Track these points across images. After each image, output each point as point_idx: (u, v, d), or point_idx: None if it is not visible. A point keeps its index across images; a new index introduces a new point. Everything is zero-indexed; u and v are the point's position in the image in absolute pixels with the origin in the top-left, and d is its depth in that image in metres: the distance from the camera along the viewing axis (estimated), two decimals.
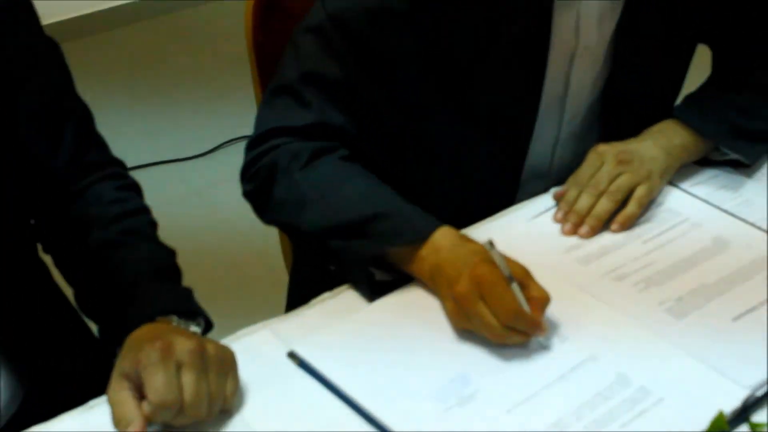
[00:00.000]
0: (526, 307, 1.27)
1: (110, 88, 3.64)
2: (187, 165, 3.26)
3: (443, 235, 1.37)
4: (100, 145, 1.47)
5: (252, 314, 1.40)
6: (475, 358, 1.28)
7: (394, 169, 1.61)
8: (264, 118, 1.56)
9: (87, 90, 1.53)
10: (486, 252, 1.31)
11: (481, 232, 1.51)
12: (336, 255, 1.42)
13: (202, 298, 1.36)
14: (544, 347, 1.29)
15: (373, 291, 1.39)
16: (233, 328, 1.35)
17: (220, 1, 4.07)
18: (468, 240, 1.37)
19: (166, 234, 1.48)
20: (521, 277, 1.30)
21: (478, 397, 1.23)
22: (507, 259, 1.30)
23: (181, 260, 1.42)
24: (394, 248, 1.39)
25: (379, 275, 1.40)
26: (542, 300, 1.29)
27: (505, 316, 1.26)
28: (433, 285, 1.37)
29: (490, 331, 1.27)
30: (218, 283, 2.36)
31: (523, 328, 1.27)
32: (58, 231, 1.43)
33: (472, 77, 1.55)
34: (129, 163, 1.53)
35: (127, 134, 3.32)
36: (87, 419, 1.22)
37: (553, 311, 1.33)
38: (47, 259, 1.48)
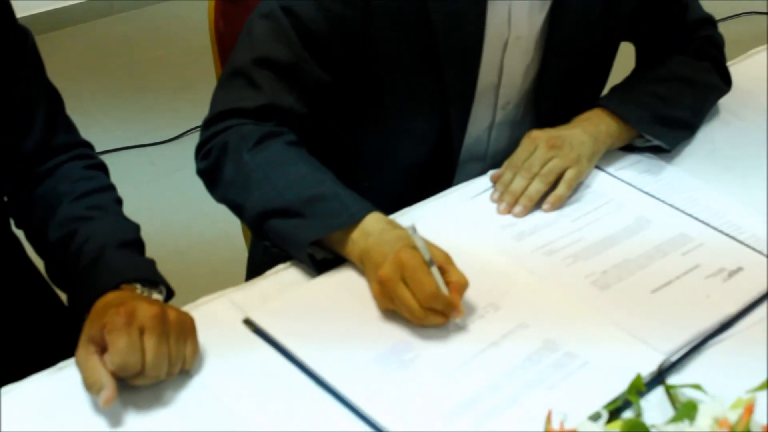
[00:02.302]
0: (444, 290, 1.26)
1: (85, 77, 3.63)
2: (156, 149, 3.26)
3: (374, 220, 1.37)
4: (69, 127, 1.46)
5: (213, 285, 1.40)
6: (416, 326, 1.28)
7: (341, 150, 1.62)
8: (218, 100, 1.55)
9: (63, 79, 1.52)
10: (410, 238, 1.31)
11: (424, 211, 1.53)
12: (276, 237, 1.42)
13: (167, 270, 1.36)
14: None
15: (317, 268, 1.39)
16: (195, 297, 1.35)
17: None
18: (396, 226, 1.36)
19: (136, 212, 1.47)
20: (442, 262, 1.29)
21: (418, 362, 1.24)
22: (429, 245, 1.30)
23: (149, 235, 1.42)
24: (329, 231, 1.38)
25: (320, 254, 1.40)
26: (460, 285, 1.29)
27: (424, 298, 1.25)
28: (362, 267, 1.37)
29: (410, 311, 1.27)
30: (183, 256, 2.36)
31: (442, 309, 1.27)
32: (28, 207, 1.42)
33: (412, 63, 1.55)
34: (102, 147, 1.54)
35: (100, 121, 3.31)
36: (56, 379, 1.22)
37: (488, 283, 1.34)
38: (19, 234, 1.47)
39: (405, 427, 1.15)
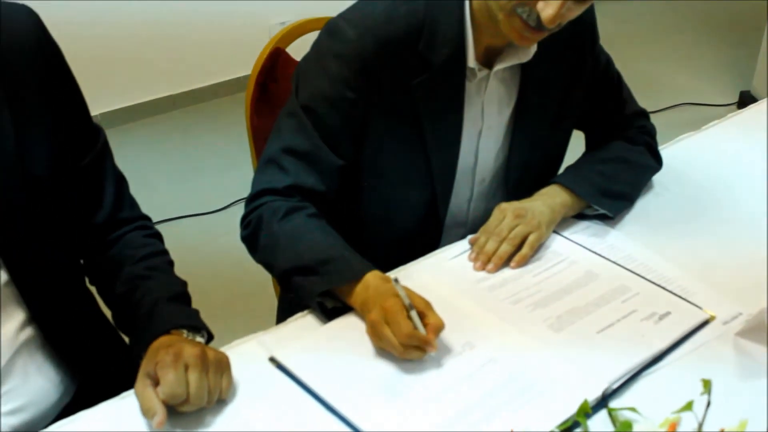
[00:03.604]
0: (422, 329, 1.27)
1: (151, 160, 3.63)
2: (207, 218, 3.28)
3: (372, 277, 1.38)
4: (132, 204, 1.47)
5: (246, 330, 1.40)
6: (406, 361, 1.29)
7: (350, 218, 1.62)
8: (256, 182, 1.57)
9: (134, 161, 1.54)
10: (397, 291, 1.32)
11: (417, 268, 1.53)
12: (297, 289, 1.43)
13: (210, 317, 1.36)
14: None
15: (326, 315, 1.40)
16: (230, 339, 1.36)
17: (229, 96, 4.12)
18: (389, 281, 1.36)
19: (189, 268, 1.48)
20: (422, 308, 1.30)
21: (409, 390, 1.24)
22: (411, 294, 1.31)
23: (198, 288, 1.42)
24: (337, 285, 1.40)
25: (331, 304, 1.41)
26: (436, 326, 1.29)
27: (402, 336, 1.26)
28: (362, 313, 1.37)
29: (393, 347, 1.27)
30: (224, 306, 2.34)
31: (418, 345, 1.27)
32: (100, 268, 1.44)
33: (404, 150, 1.57)
34: (163, 216, 1.54)
35: (163, 195, 3.32)
36: (120, 406, 1.24)
37: (465, 326, 1.35)
38: (92, 289, 1.48)
39: None
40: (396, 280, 1.30)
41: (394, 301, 1.29)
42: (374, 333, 1.31)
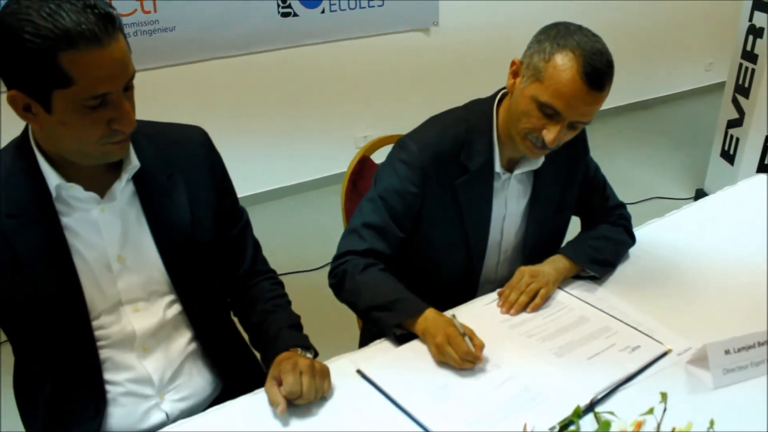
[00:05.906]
0: (471, 348, 1.31)
1: (274, 230, 3.69)
2: (311, 273, 3.31)
3: (430, 312, 1.41)
4: (264, 261, 1.51)
5: (339, 350, 1.43)
6: (453, 375, 1.32)
7: (409, 275, 1.62)
8: (342, 245, 1.57)
9: (262, 232, 1.57)
10: (451, 321, 1.35)
11: (460, 312, 1.53)
12: (375, 321, 1.45)
13: (314, 341, 1.39)
14: (482, 370, 1.33)
15: (398, 340, 1.42)
16: (328, 356, 1.39)
17: (328, 187, 4.18)
18: (442, 315, 1.40)
19: (300, 306, 1.50)
20: (470, 334, 1.34)
21: (454, 396, 1.27)
22: (462, 324, 1.35)
23: (305, 320, 1.44)
24: (406, 318, 1.42)
25: (399, 332, 1.43)
26: (480, 346, 1.33)
27: (461, 353, 1.30)
28: (424, 338, 1.39)
29: (454, 361, 1.31)
30: (323, 333, 2.34)
31: (470, 359, 1.31)
32: (241, 305, 1.47)
33: (449, 229, 1.58)
34: (281, 271, 1.54)
35: (281, 256, 3.31)
36: (254, 400, 1.28)
37: (493, 352, 1.36)
38: (235, 319, 1.52)
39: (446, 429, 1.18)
40: (454, 316, 1.34)
41: (453, 329, 1.33)
42: (439, 351, 1.33)
